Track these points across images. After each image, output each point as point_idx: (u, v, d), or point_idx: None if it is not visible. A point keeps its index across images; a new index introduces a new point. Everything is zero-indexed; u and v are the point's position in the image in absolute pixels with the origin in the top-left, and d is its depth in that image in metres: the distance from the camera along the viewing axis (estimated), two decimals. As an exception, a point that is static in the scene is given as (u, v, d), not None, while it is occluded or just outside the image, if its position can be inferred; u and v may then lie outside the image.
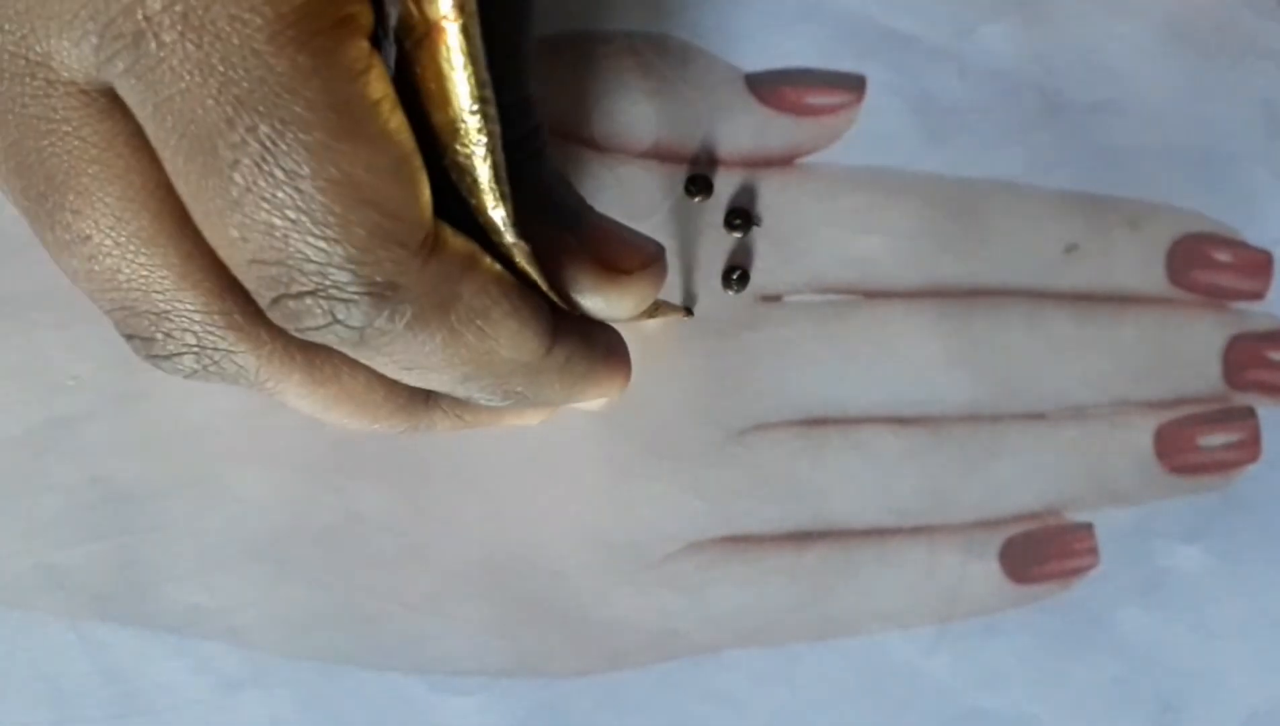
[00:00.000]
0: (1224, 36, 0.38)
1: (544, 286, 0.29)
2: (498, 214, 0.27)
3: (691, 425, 0.36)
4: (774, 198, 0.37)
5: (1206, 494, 0.37)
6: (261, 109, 0.23)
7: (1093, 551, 0.36)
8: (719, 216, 0.37)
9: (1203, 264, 0.38)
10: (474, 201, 0.27)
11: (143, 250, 0.26)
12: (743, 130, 0.37)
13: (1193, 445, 0.37)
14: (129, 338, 0.27)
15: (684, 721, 0.35)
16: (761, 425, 0.37)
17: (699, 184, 0.37)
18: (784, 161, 0.37)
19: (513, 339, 0.28)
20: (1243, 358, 0.37)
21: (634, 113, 0.37)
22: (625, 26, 0.38)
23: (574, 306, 0.30)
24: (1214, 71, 0.38)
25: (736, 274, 0.37)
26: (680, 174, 0.37)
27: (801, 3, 0.38)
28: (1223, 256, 0.38)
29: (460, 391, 0.29)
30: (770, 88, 0.38)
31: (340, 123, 0.24)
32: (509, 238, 0.27)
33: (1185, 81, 0.38)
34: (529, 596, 0.36)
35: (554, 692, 0.35)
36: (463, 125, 0.25)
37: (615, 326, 0.32)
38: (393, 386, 0.30)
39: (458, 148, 0.26)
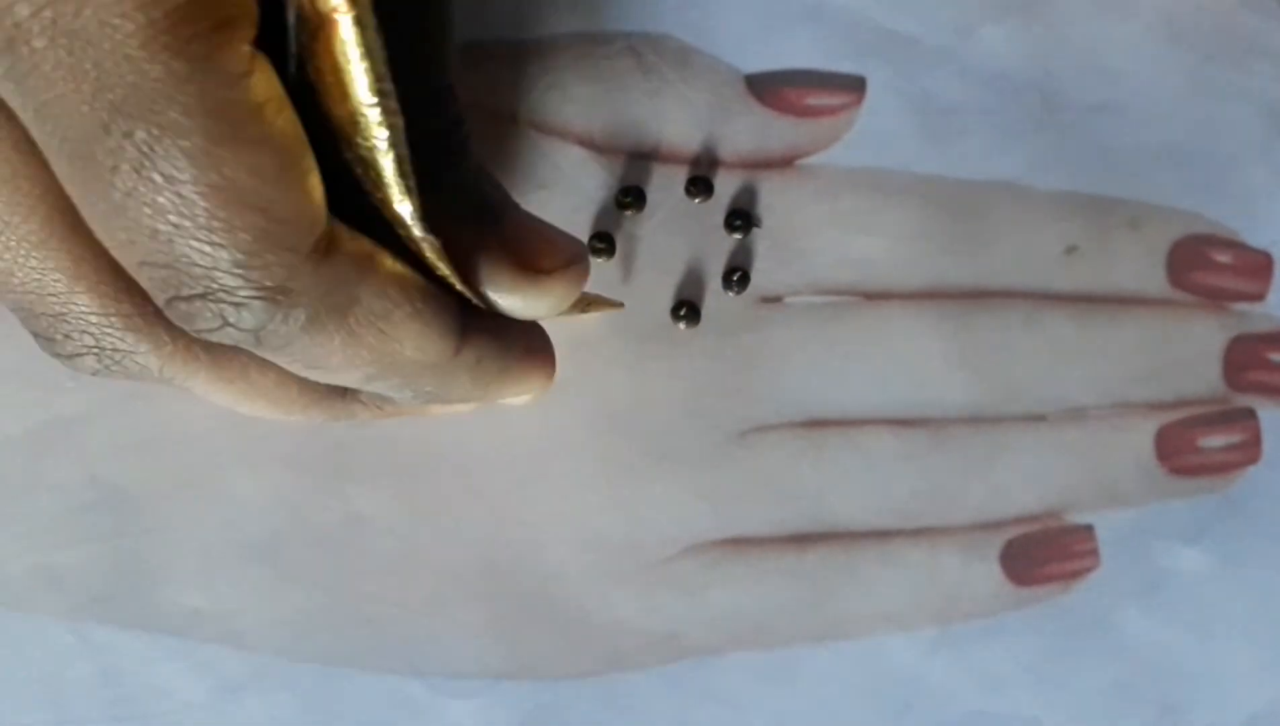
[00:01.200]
0: (1224, 37, 0.38)
1: (457, 283, 0.28)
2: (404, 208, 0.26)
3: (692, 427, 0.36)
4: (774, 199, 0.37)
5: (1207, 495, 0.37)
6: (136, 114, 0.23)
7: (1093, 553, 0.36)
8: (719, 218, 0.37)
9: (1203, 265, 0.38)
10: (379, 195, 0.26)
11: (33, 253, 0.26)
12: (743, 131, 0.37)
13: (1193, 446, 0.37)
14: (34, 335, 0.28)
15: (684, 724, 0.35)
16: (762, 427, 0.36)
17: (699, 185, 0.37)
18: (784, 163, 0.37)
19: (417, 340, 0.28)
20: (1243, 359, 0.37)
21: (634, 114, 0.37)
22: (625, 28, 0.38)
23: (490, 305, 0.30)
24: (1214, 72, 0.38)
25: (737, 275, 0.37)
26: (680, 175, 0.37)
27: (802, 4, 0.38)
28: (1223, 258, 0.38)
29: (369, 389, 0.29)
30: (770, 89, 0.38)
31: (219, 128, 0.24)
32: (417, 232, 0.27)
33: (1185, 82, 0.38)
34: (529, 598, 0.36)
35: (554, 695, 0.35)
36: (362, 118, 0.25)
37: (543, 323, 0.32)
38: (305, 382, 0.30)
39: (359, 141, 0.25)
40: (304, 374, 0.28)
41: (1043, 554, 0.36)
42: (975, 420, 0.37)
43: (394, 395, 0.29)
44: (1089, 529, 0.36)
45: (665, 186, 0.37)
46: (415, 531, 0.36)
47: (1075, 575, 0.36)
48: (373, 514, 0.36)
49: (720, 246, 0.37)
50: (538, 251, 0.30)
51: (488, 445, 0.36)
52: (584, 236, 0.37)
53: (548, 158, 0.37)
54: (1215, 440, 0.37)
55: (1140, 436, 0.37)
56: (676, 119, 0.37)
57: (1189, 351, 0.37)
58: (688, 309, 0.37)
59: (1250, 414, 0.37)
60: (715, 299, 0.37)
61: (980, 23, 0.38)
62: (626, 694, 0.35)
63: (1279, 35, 0.38)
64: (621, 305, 0.36)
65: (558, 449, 0.36)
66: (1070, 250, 0.37)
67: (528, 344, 0.31)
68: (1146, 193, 0.38)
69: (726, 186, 0.37)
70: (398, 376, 0.28)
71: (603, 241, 0.37)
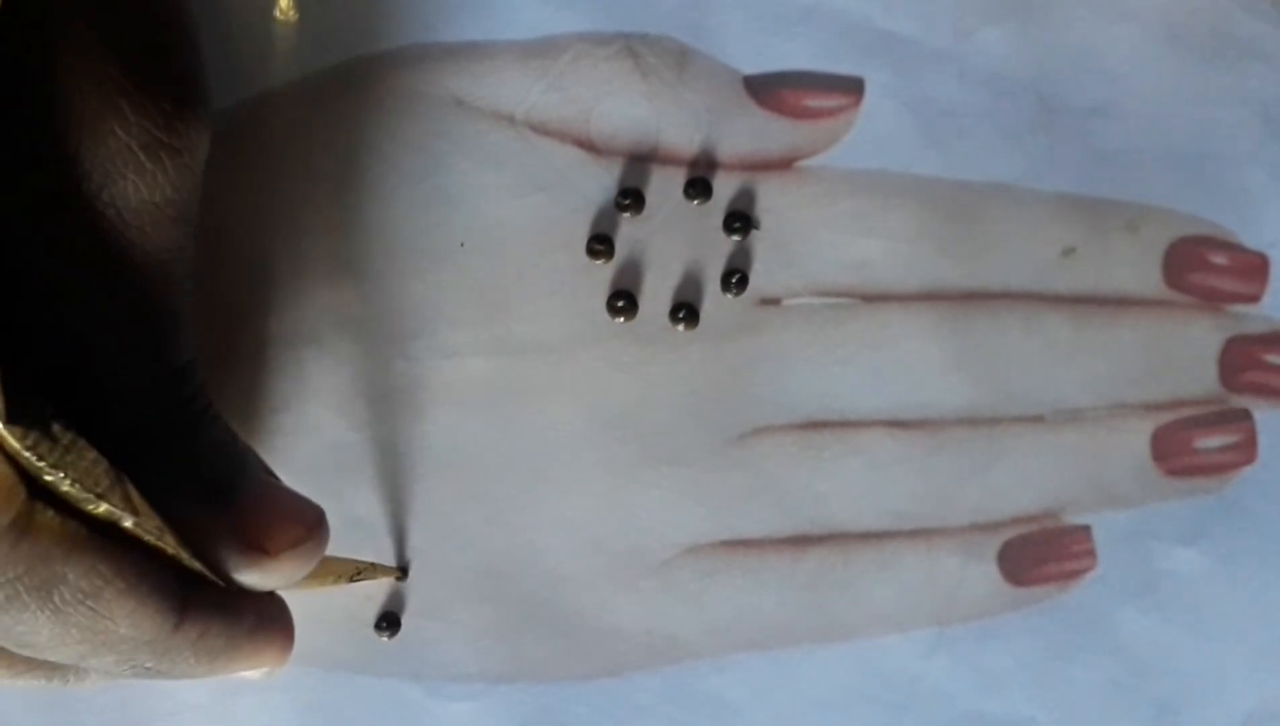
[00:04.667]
0: (1220, 39, 0.38)
1: (184, 559, 0.28)
2: (101, 509, 0.26)
3: (690, 429, 0.36)
4: (773, 201, 0.37)
5: (1203, 496, 0.37)
6: None
7: (1090, 554, 0.36)
8: (718, 220, 0.37)
9: (1199, 267, 0.38)
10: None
11: None
12: (741, 133, 0.37)
13: (1189, 447, 0.37)
14: None
15: None
16: (760, 429, 0.36)
17: (698, 187, 0.37)
18: (783, 164, 0.37)
19: (131, 618, 0.27)
20: (1239, 360, 0.37)
21: (633, 115, 0.37)
22: (624, 29, 0.37)
23: (225, 579, 0.30)
24: (1211, 74, 0.38)
25: (736, 277, 0.37)
26: (679, 177, 0.37)
27: (800, 5, 0.38)
28: (1219, 259, 0.38)
29: (83, 666, 0.29)
30: (769, 90, 0.38)
31: None
32: (128, 523, 0.27)
33: (1182, 84, 0.38)
34: (528, 601, 0.36)
35: (552, 698, 0.35)
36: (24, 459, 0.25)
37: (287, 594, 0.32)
38: (13, 654, 0.29)
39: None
40: (12, 650, 0.28)
41: (1040, 554, 0.36)
42: (973, 421, 0.37)
43: (112, 673, 0.29)
44: (1086, 529, 0.37)
45: (664, 188, 0.37)
46: (413, 534, 0.36)
47: (1072, 575, 0.36)
48: (371, 517, 0.36)
49: (719, 248, 0.37)
50: (267, 531, 0.30)
51: (486, 448, 0.36)
52: (583, 239, 0.37)
53: (546, 160, 0.37)
54: (1211, 441, 0.37)
55: (1137, 437, 0.37)
56: (675, 121, 0.37)
57: (1185, 352, 0.37)
58: (686, 311, 0.37)
59: (1246, 415, 0.37)
60: (714, 301, 0.37)
61: (978, 25, 0.38)
62: (625, 696, 0.35)
63: (1275, 38, 0.38)
64: (398, 573, 0.36)
65: (556, 451, 0.36)
66: (1068, 252, 0.37)
67: (258, 616, 0.31)
68: (1143, 194, 0.38)
69: (725, 188, 0.37)
70: (112, 654, 0.28)
71: (601, 243, 0.37)
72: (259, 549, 0.29)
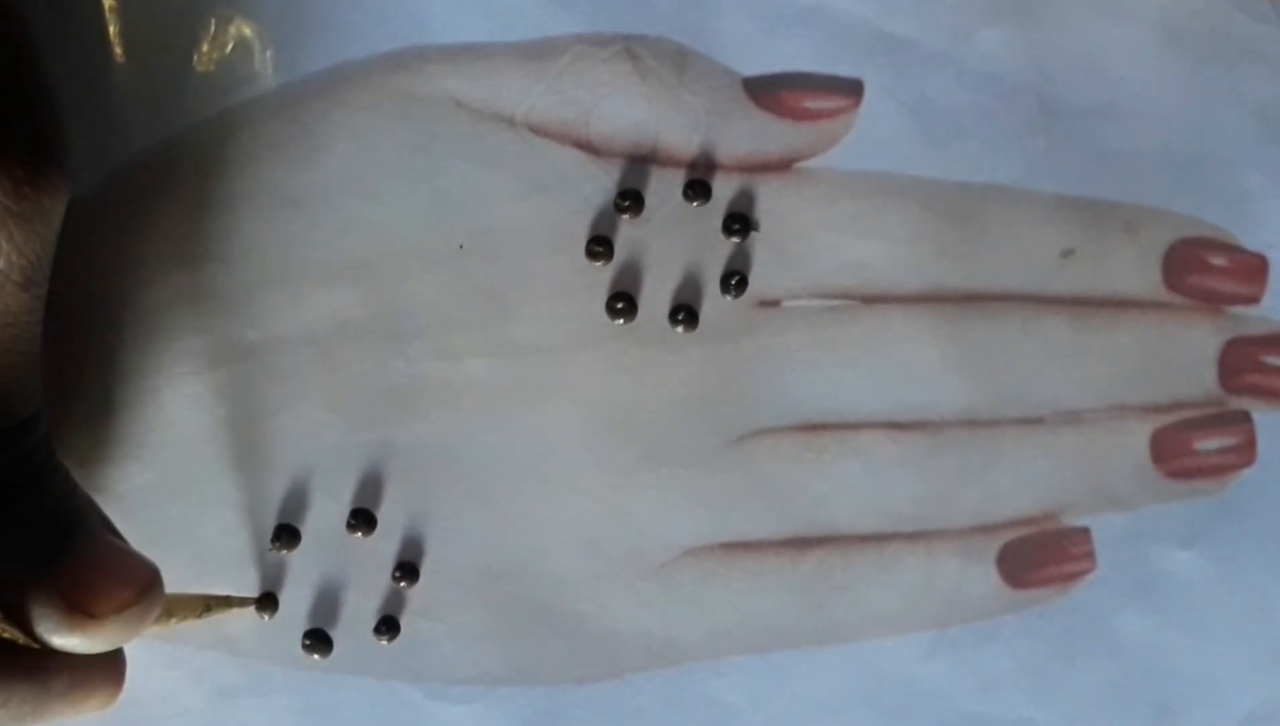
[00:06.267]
0: (1219, 41, 0.38)
1: None
2: None
3: (689, 431, 0.36)
4: (772, 203, 0.37)
5: (1203, 498, 0.37)
6: None
7: (1090, 556, 0.36)
8: (717, 221, 0.37)
9: (1198, 268, 0.38)
10: None
11: None
12: (740, 135, 0.37)
13: (1189, 449, 0.37)
14: None
15: (682, 728, 0.36)
16: (759, 431, 0.36)
17: (697, 189, 0.37)
18: (782, 166, 0.37)
19: None
20: (1238, 362, 0.37)
21: (632, 117, 0.37)
22: (623, 30, 0.37)
23: (45, 645, 0.29)
24: (1210, 76, 0.38)
25: (735, 279, 0.37)
26: (678, 179, 0.37)
27: (799, 7, 0.38)
28: (1218, 261, 0.38)
29: None
30: (768, 92, 0.37)
31: None
32: None
33: (1181, 86, 0.38)
34: (527, 604, 0.36)
35: (552, 701, 0.35)
36: None
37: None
38: None
39: None
40: None
41: (1039, 557, 0.36)
42: (972, 423, 0.37)
43: None
44: (1085, 531, 0.37)
45: (663, 190, 0.37)
46: (413, 536, 0.36)
47: (1071, 578, 0.36)
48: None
49: (718, 250, 0.37)
50: (92, 593, 0.29)
51: (486, 449, 0.36)
52: (582, 240, 0.37)
53: (545, 161, 0.37)
54: (1210, 443, 0.37)
55: (1136, 439, 0.37)
56: (674, 122, 0.37)
57: (1185, 354, 0.37)
58: (685, 313, 0.37)
59: (1245, 417, 0.37)
60: (713, 303, 0.37)
61: (977, 26, 0.38)
62: (624, 699, 0.35)
63: (1273, 40, 0.38)
64: (252, 602, 0.35)
65: (556, 453, 0.36)
66: (1067, 253, 0.37)
67: (73, 675, 0.30)
68: (1142, 196, 0.38)
69: (724, 190, 0.37)
70: None
71: (600, 245, 0.37)
72: (83, 612, 0.28)
